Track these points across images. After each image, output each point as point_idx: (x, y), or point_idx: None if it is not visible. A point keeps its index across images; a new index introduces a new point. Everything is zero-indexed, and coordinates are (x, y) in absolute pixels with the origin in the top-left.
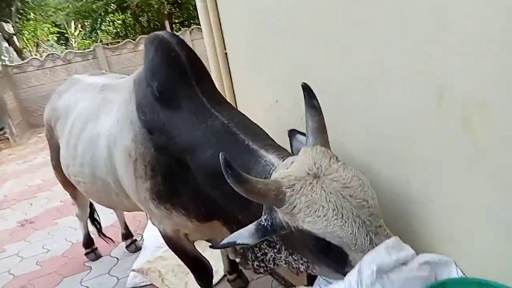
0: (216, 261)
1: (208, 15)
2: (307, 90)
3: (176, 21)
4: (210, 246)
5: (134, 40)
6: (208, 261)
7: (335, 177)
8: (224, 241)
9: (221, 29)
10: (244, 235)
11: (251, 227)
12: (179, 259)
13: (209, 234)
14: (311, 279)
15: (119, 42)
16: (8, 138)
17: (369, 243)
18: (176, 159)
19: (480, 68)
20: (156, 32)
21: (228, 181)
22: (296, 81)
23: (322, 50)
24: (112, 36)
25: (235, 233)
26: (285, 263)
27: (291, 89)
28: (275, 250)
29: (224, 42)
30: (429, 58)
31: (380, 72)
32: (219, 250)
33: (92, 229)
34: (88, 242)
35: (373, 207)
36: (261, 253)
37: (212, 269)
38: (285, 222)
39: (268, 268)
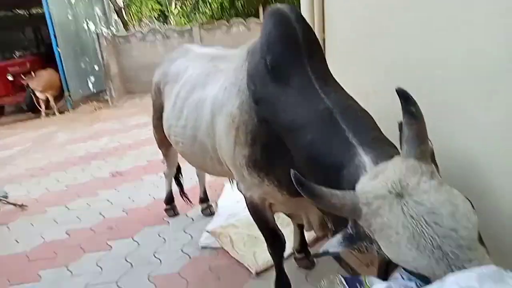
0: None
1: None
2: (402, 95)
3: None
4: (314, 256)
5: (228, 22)
6: (283, 233)
7: (421, 200)
8: (320, 251)
9: (323, 14)
10: (334, 244)
11: (339, 236)
12: (250, 229)
13: (295, 209)
14: (382, 271)
15: (214, 23)
16: (107, 100)
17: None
18: (277, 133)
19: None
20: (277, 5)
21: (302, 194)
22: (397, 72)
23: (432, 39)
24: (208, 18)
25: (327, 242)
26: (377, 253)
27: (391, 80)
28: (375, 247)
29: (324, 27)
30: None
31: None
32: (289, 229)
33: (174, 188)
34: (169, 199)
35: (463, 238)
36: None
37: (285, 242)
38: (368, 232)
39: (359, 250)
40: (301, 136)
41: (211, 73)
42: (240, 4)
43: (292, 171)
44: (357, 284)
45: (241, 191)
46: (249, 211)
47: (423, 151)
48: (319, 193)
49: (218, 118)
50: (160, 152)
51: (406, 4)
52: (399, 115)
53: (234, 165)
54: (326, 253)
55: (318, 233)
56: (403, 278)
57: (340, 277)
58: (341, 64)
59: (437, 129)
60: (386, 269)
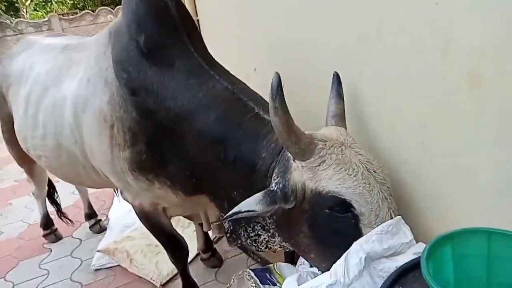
0: (188, 240)
1: None
2: (337, 78)
3: None
4: (223, 219)
5: (93, 11)
6: (183, 238)
7: (360, 151)
8: (229, 213)
9: None
10: (250, 203)
11: (258, 194)
12: (149, 239)
13: (192, 209)
14: (289, 256)
15: (76, 13)
16: None
17: (391, 218)
18: (165, 124)
19: (489, 17)
20: None
21: (273, 104)
22: (275, 46)
23: (306, 7)
24: (69, 7)
25: (239, 204)
26: (279, 246)
27: (270, 55)
28: (269, 234)
29: (196, 9)
30: (435, 6)
31: (380, 23)
32: (191, 228)
33: (51, 209)
34: (47, 223)
35: (389, 189)
36: (254, 233)
37: (187, 247)
38: (300, 184)
39: (259, 249)
40: (201, 118)
41: (65, 66)
42: None
43: (275, 73)
44: (267, 274)
45: (127, 200)
46: (141, 220)
47: (345, 126)
48: (288, 111)
49: (83, 118)
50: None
51: None
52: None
53: (113, 171)
54: (238, 212)
55: (215, 231)
56: (311, 266)
57: (249, 271)
58: (218, 45)
59: (311, 105)
60: (292, 256)
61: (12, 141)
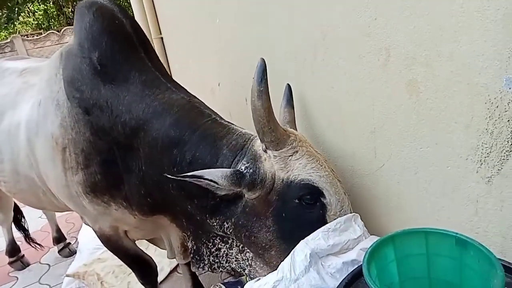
0: (161, 257)
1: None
2: (288, 89)
3: None
4: (182, 176)
5: (58, 31)
6: (151, 258)
7: (318, 151)
8: (191, 173)
9: (156, 13)
10: (216, 173)
11: (225, 169)
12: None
13: (153, 232)
14: None
15: (41, 33)
16: None
17: (350, 213)
18: (120, 141)
19: (423, 27)
20: None
21: (257, 88)
22: (237, 61)
23: (258, 23)
24: (33, 28)
25: (203, 170)
26: (235, 261)
27: (233, 70)
28: (227, 246)
29: (159, 27)
30: (374, 21)
31: (324, 34)
32: (162, 249)
33: (17, 235)
34: (12, 250)
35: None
36: (214, 248)
37: (156, 267)
38: (271, 174)
39: (222, 265)
40: (156, 125)
41: (22, 90)
42: (69, 10)
43: (260, 59)
44: (238, 287)
45: (88, 225)
46: (104, 244)
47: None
48: (269, 96)
49: (36, 143)
50: None
51: None
52: (242, 104)
53: (69, 196)
54: (200, 177)
55: (181, 257)
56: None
57: (221, 285)
58: (182, 62)
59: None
60: None
61: None
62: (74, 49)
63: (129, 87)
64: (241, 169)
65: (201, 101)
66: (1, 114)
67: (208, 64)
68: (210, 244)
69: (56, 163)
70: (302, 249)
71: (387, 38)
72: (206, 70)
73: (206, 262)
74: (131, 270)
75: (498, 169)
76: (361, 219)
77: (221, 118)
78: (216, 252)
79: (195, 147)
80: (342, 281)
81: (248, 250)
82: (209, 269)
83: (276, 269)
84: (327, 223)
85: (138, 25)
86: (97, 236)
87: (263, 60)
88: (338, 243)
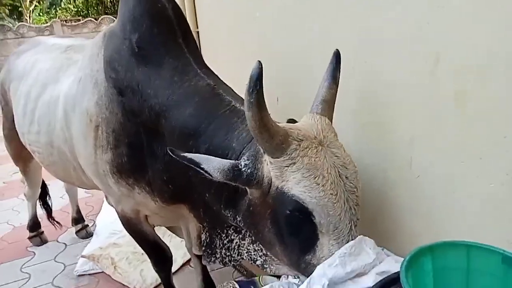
0: (175, 249)
1: None
2: (336, 57)
3: None
4: (171, 152)
5: (96, 19)
6: (168, 246)
7: (337, 152)
8: (190, 156)
9: (194, 6)
10: (213, 164)
11: (225, 162)
12: (135, 246)
13: (172, 220)
14: None
15: (79, 20)
16: None
17: (348, 232)
18: (148, 126)
19: (477, 37)
20: None
21: (248, 99)
22: (271, 62)
23: (301, 21)
24: (72, 14)
25: (203, 156)
26: (247, 253)
27: (266, 70)
28: (240, 236)
29: (196, 20)
30: (426, 25)
31: (372, 37)
32: (178, 238)
33: (39, 212)
34: (34, 225)
35: (359, 198)
36: (227, 239)
37: (172, 256)
38: (268, 178)
39: (233, 258)
40: (179, 112)
41: (64, 65)
42: (109, 1)
43: (257, 62)
44: (251, 287)
45: (111, 205)
46: (124, 226)
47: (331, 116)
48: (265, 105)
49: (72, 118)
50: (18, 169)
51: None
52: (274, 104)
53: (97, 173)
54: (197, 164)
55: (197, 248)
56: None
57: (234, 282)
58: (217, 57)
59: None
60: None
61: (11, 136)
62: (116, 30)
63: (160, 71)
64: (240, 164)
65: (228, 87)
66: (43, 87)
67: (243, 62)
68: (224, 235)
69: (88, 140)
70: (320, 278)
71: (438, 42)
72: (241, 67)
73: (218, 256)
74: (144, 258)
75: None
76: (370, 241)
77: (241, 103)
78: (228, 244)
79: (209, 140)
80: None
81: None
82: (220, 262)
83: (283, 264)
84: (319, 237)
85: (180, 10)
86: (119, 217)
87: (259, 65)
88: (355, 268)
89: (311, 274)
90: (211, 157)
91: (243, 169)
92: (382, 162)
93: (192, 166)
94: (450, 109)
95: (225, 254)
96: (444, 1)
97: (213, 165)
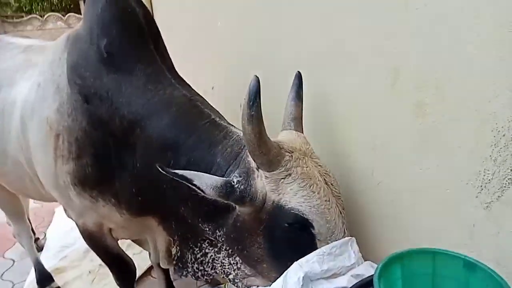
0: (139, 260)
1: None
2: (299, 78)
3: None
4: (161, 169)
5: (41, 17)
6: (131, 259)
7: (319, 162)
8: (181, 172)
9: (151, 8)
10: (206, 180)
11: (217, 179)
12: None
13: (138, 233)
14: None
15: (22, 16)
16: None
17: (342, 236)
18: (116, 135)
19: (437, 50)
20: None
21: (248, 112)
22: (234, 67)
23: (265, 30)
24: (14, 10)
25: (195, 172)
26: (221, 267)
27: (228, 75)
28: (216, 249)
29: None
30: (384, 36)
31: (331, 48)
32: (146, 250)
33: None
34: (44, 279)
35: (343, 202)
36: (201, 253)
37: (135, 268)
38: (262, 194)
39: (206, 273)
40: (156, 122)
41: (22, 67)
42: None
43: (254, 76)
44: None
45: (71, 218)
46: (85, 240)
47: (302, 130)
48: (262, 119)
49: (30, 125)
50: None
51: None
52: (236, 109)
53: (56, 185)
54: (189, 180)
55: (165, 262)
56: None
57: None
58: (176, 62)
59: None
60: None
61: None
62: (82, 34)
63: (132, 79)
64: (233, 181)
65: (203, 99)
66: None
67: (203, 66)
68: (197, 249)
69: (47, 149)
70: (296, 272)
71: (398, 58)
72: (200, 72)
73: (189, 270)
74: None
75: (498, 196)
76: (356, 243)
77: (220, 118)
78: (201, 259)
79: (190, 153)
80: None
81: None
82: (192, 277)
83: (268, 279)
84: (317, 247)
85: (151, 16)
86: (80, 231)
87: (257, 78)
88: (332, 268)
89: None
90: (202, 173)
91: (236, 185)
92: (346, 170)
93: (184, 182)
94: (409, 120)
95: (197, 268)
96: (403, 13)
97: (206, 182)
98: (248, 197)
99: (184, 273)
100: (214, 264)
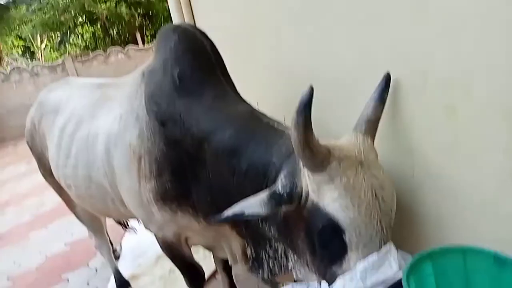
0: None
1: (182, 13)
2: (386, 80)
3: (148, 33)
4: (212, 219)
5: (104, 51)
6: (200, 266)
7: (376, 174)
8: (229, 212)
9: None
10: (254, 204)
11: (261, 195)
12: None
13: (214, 239)
14: None
15: (89, 54)
16: None
17: (377, 248)
18: (190, 152)
19: (463, 52)
20: (175, 23)
21: (295, 118)
22: (278, 84)
23: (302, 43)
24: (81, 49)
25: (240, 203)
26: (291, 261)
27: (272, 92)
28: (286, 246)
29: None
30: (412, 41)
31: (363, 58)
32: (220, 257)
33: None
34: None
35: (392, 220)
36: (272, 250)
37: (204, 274)
38: (306, 192)
39: (281, 268)
40: (221, 134)
41: (100, 103)
42: (114, 32)
43: (309, 86)
44: None
45: (151, 231)
46: (164, 251)
47: (375, 134)
48: (311, 125)
49: (115, 153)
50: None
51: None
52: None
53: (140, 203)
54: (241, 215)
55: (243, 263)
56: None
57: None
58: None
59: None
60: None
61: (48, 172)
62: (156, 67)
63: (201, 100)
64: (278, 189)
65: (263, 113)
66: (79, 121)
67: (249, 82)
68: (268, 246)
69: (131, 171)
70: None
71: (425, 61)
72: (247, 87)
73: (265, 267)
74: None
75: None
76: (396, 250)
77: (279, 123)
78: (274, 255)
79: (250, 157)
80: None
81: None
82: (270, 273)
83: (312, 272)
84: (348, 253)
85: (216, 47)
86: (159, 243)
87: (311, 89)
88: (376, 282)
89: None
90: (246, 200)
91: (281, 191)
92: (388, 170)
93: (238, 219)
94: (441, 121)
95: (273, 264)
96: (427, 16)
97: (255, 205)
98: (295, 196)
99: (260, 272)
100: (288, 255)
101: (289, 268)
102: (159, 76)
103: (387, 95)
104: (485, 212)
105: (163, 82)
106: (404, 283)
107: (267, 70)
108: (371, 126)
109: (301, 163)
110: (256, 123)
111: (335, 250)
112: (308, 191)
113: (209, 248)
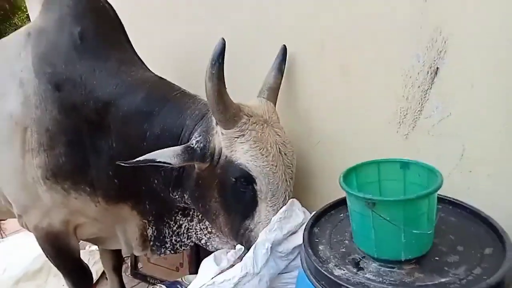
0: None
1: None
2: (283, 52)
3: None
4: (123, 163)
5: None
6: (87, 264)
7: (279, 132)
8: (142, 158)
9: None
10: (167, 154)
11: (176, 148)
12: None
13: (110, 225)
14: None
15: None
16: None
17: (283, 201)
18: (91, 118)
19: (355, 19)
20: None
21: (210, 70)
22: (177, 62)
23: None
24: None
25: (155, 152)
26: (195, 234)
27: (171, 73)
28: (189, 218)
29: None
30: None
31: (264, 33)
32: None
33: None
34: None
35: (293, 173)
36: (176, 225)
37: (92, 275)
38: (218, 149)
39: (183, 243)
40: (128, 100)
41: None
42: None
43: (220, 38)
44: (178, 286)
45: (28, 225)
46: (46, 246)
47: (276, 101)
48: (223, 78)
49: None
50: None
51: None
52: None
53: (23, 184)
54: (152, 160)
55: (140, 248)
56: None
57: (160, 284)
58: None
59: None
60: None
61: None
62: (49, 26)
63: (106, 63)
64: (192, 143)
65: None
66: None
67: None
68: (172, 222)
69: (13, 145)
70: (263, 243)
71: (321, 31)
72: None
73: (168, 245)
74: None
75: (413, 127)
76: (297, 202)
77: (189, 93)
78: (177, 230)
79: (163, 121)
80: (307, 223)
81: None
82: (171, 251)
83: (224, 234)
84: (258, 204)
85: (117, 13)
86: (39, 237)
87: (223, 41)
88: (290, 229)
89: (248, 241)
90: (161, 150)
91: (195, 146)
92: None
93: (150, 164)
94: (336, 80)
95: (175, 240)
96: None
97: (168, 155)
98: (208, 152)
99: (163, 250)
100: (189, 233)
101: (195, 241)
102: (53, 35)
103: (285, 65)
104: (376, 154)
105: (59, 41)
106: (341, 184)
107: (164, 48)
108: (272, 93)
109: (214, 122)
110: (168, 88)
111: (248, 202)
112: (221, 148)
113: (99, 241)
